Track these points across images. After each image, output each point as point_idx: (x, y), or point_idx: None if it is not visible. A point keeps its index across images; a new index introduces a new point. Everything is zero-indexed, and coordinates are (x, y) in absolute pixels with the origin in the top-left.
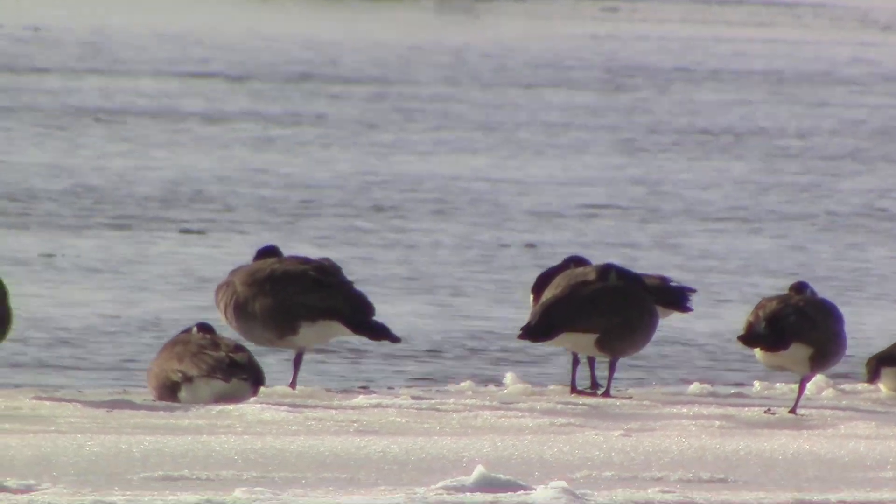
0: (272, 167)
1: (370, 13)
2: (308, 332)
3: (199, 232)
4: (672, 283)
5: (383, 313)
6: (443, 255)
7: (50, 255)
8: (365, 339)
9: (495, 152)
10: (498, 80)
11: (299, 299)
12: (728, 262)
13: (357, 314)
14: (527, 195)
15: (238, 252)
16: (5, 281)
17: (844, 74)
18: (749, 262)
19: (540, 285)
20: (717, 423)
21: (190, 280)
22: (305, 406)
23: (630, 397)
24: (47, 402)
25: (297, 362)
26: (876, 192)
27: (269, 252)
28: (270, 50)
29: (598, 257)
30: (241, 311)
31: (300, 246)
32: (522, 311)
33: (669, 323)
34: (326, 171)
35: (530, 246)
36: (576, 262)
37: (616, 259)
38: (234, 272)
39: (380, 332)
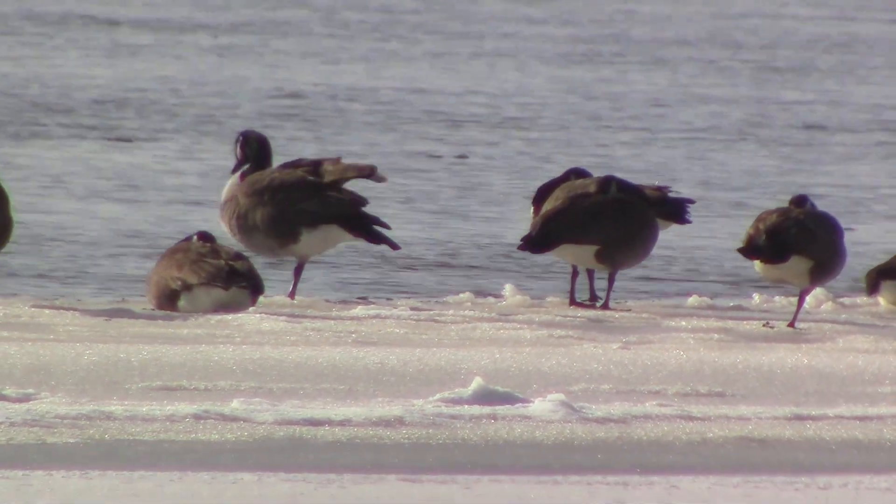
0: (203, 76)
1: None
2: (309, 239)
3: (128, 140)
4: (671, 195)
5: None
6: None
7: None
8: (364, 245)
9: (419, 62)
10: None
11: (298, 206)
12: (681, 175)
13: (356, 217)
14: (451, 105)
15: (167, 160)
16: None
17: None
18: (704, 176)
19: (540, 197)
20: (716, 336)
21: (135, 190)
22: (304, 317)
23: (629, 310)
24: (46, 311)
25: (298, 272)
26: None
27: None
28: None
29: (531, 170)
30: (243, 222)
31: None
32: (486, 222)
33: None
34: (246, 82)
35: (462, 157)
36: (576, 173)
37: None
38: (237, 186)
39: (379, 237)
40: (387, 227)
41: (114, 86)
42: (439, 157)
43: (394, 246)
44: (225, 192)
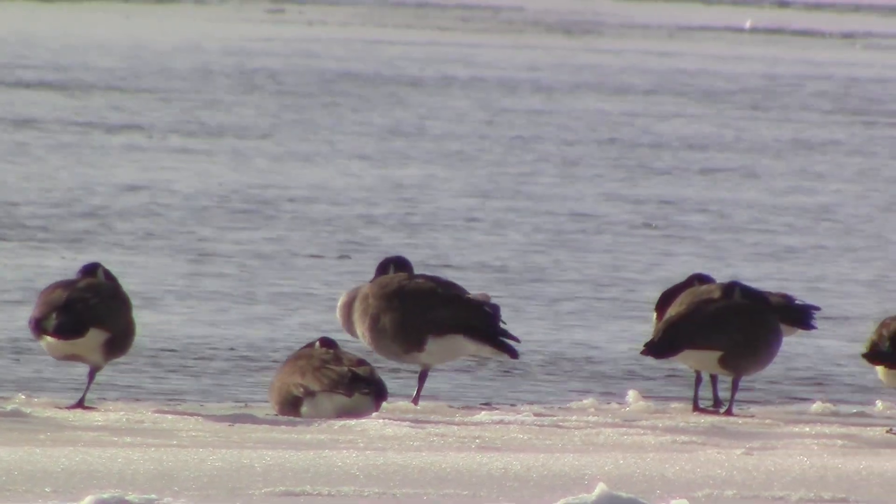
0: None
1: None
2: (434, 348)
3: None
4: (796, 301)
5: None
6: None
7: None
8: (487, 354)
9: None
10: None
11: (426, 314)
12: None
13: (482, 328)
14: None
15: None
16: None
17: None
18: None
19: (663, 302)
20: (840, 442)
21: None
22: (427, 422)
23: (752, 416)
24: (169, 416)
25: (422, 378)
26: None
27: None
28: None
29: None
30: (372, 324)
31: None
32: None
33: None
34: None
35: (344, 257)
36: (700, 279)
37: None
38: (367, 286)
39: (502, 346)
40: (515, 339)
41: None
42: (319, 256)
43: (513, 354)
44: (345, 295)
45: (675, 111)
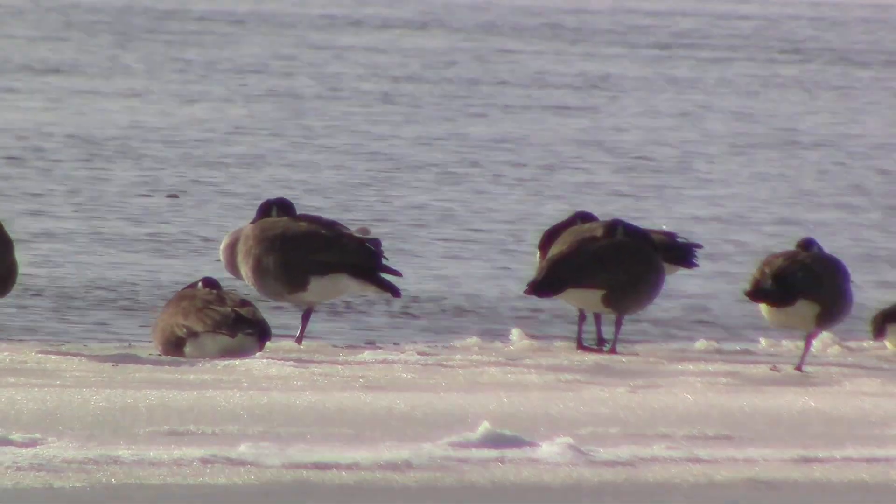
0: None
1: None
2: (317, 287)
3: None
4: (679, 239)
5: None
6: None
7: None
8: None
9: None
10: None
11: (310, 256)
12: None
13: (365, 267)
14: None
15: None
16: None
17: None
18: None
19: (546, 241)
20: (723, 380)
21: None
22: (312, 361)
23: (636, 354)
24: (53, 356)
25: (306, 318)
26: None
27: None
28: None
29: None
30: (255, 265)
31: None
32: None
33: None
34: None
35: (172, 196)
36: (583, 217)
37: None
38: (249, 228)
39: (384, 285)
40: (398, 273)
41: None
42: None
43: (395, 293)
44: (228, 237)
45: (517, 48)
